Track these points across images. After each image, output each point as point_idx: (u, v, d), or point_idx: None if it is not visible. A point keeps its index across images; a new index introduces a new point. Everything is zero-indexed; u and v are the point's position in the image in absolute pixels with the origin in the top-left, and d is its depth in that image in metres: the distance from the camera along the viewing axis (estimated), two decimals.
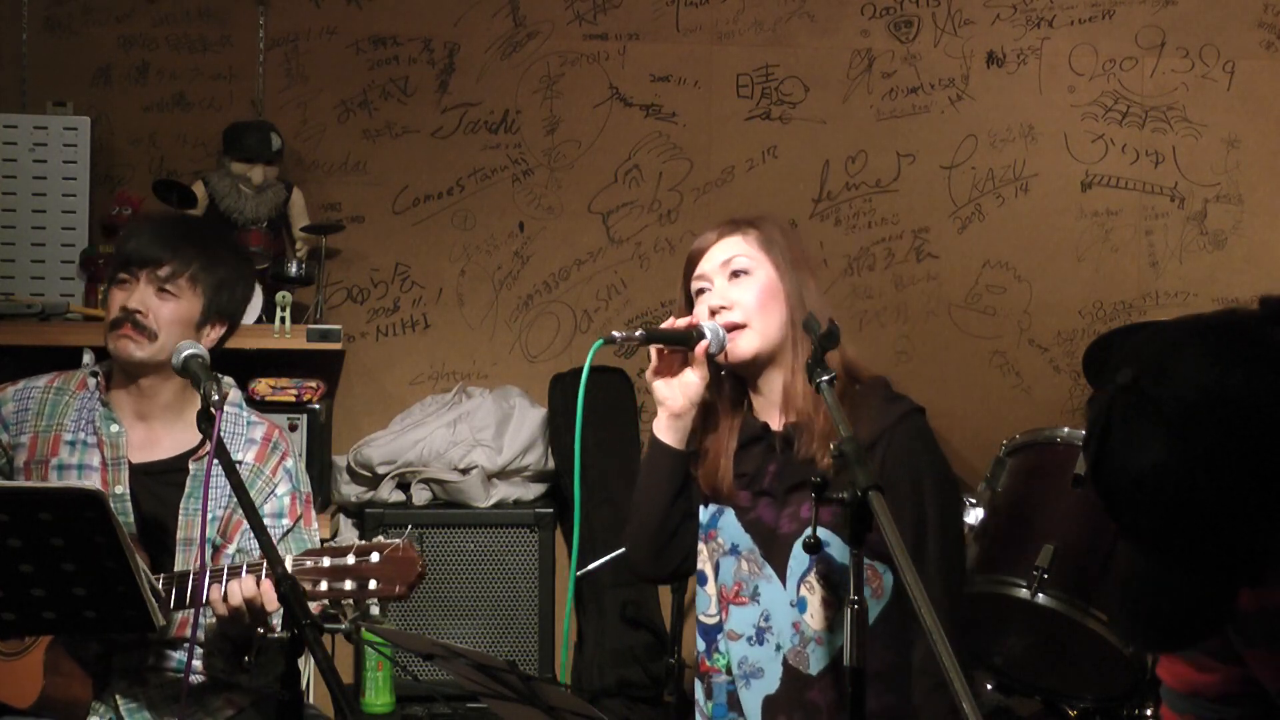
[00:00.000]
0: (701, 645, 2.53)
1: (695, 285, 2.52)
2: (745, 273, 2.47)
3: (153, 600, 2.29)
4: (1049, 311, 4.62)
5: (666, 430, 2.51)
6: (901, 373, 4.50)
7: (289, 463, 2.80)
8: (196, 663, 2.70)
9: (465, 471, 4.14)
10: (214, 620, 2.56)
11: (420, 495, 4.16)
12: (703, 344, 2.42)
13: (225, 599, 2.43)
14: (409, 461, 4.14)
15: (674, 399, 2.48)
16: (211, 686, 2.73)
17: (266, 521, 2.70)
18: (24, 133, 3.99)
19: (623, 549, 3.68)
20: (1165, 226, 4.65)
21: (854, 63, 4.57)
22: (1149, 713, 3.57)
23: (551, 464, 4.31)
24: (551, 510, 4.19)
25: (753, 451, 2.49)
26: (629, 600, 4.21)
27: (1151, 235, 4.65)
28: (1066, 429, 3.53)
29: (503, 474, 4.19)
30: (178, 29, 4.37)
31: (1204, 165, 4.65)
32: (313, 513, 2.83)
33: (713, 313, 2.46)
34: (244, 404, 2.85)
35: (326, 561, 2.39)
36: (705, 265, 2.51)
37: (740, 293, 2.46)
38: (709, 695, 2.51)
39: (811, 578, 2.39)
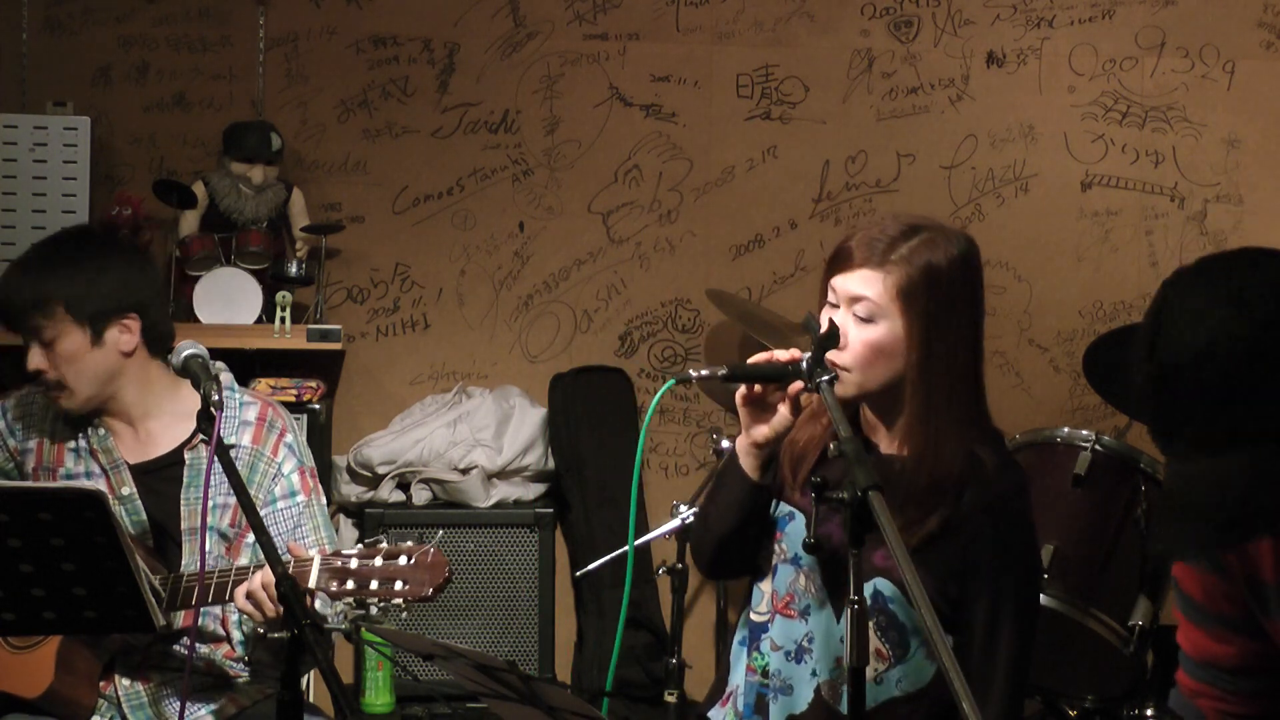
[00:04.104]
0: (744, 636, 2.41)
1: (829, 292, 2.31)
2: (869, 320, 2.25)
3: (152, 600, 2.30)
4: (1049, 311, 4.62)
5: (745, 455, 2.29)
6: None
7: (289, 438, 2.77)
8: (212, 657, 2.72)
9: (465, 471, 4.14)
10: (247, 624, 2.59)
11: (420, 495, 4.16)
12: (797, 385, 2.19)
13: (248, 596, 2.44)
14: (409, 461, 4.14)
15: (759, 430, 2.27)
16: (214, 685, 2.74)
17: (282, 503, 2.72)
18: (24, 133, 3.98)
19: (623, 549, 3.72)
20: (1165, 226, 4.65)
21: (854, 63, 4.57)
22: (1149, 713, 3.57)
23: (551, 464, 4.31)
24: (551, 510, 4.19)
25: (841, 461, 2.15)
26: (629, 600, 4.21)
27: (1151, 235, 4.65)
28: (1066, 429, 3.54)
29: (503, 474, 4.19)
30: (178, 29, 4.37)
31: (1204, 165, 4.65)
32: (318, 483, 2.80)
33: None
34: (235, 385, 2.79)
35: (354, 563, 2.39)
36: (840, 283, 2.28)
37: (855, 335, 2.25)
38: (743, 693, 2.41)
39: (869, 624, 2.20)
